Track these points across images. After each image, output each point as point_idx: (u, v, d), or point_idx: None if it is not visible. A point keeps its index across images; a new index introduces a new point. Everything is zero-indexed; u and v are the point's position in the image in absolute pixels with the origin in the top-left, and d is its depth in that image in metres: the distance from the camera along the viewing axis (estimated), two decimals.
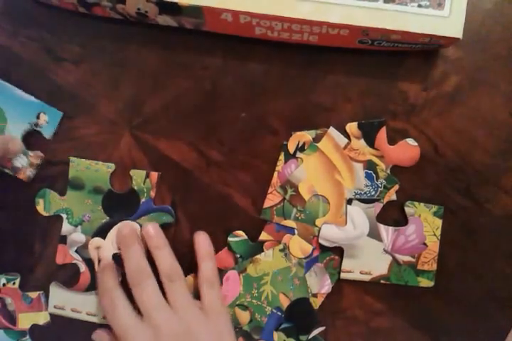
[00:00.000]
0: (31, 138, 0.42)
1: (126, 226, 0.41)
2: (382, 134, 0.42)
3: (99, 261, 0.42)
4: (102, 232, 0.42)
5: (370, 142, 0.42)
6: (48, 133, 0.42)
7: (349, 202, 0.42)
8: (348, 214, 0.42)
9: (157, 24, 0.41)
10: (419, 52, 0.41)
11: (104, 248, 0.42)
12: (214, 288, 0.39)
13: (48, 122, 0.42)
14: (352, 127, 0.42)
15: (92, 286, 0.42)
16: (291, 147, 0.42)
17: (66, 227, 0.42)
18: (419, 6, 0.37)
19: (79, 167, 0.42)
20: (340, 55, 0.42)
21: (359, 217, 0.42)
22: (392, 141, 0.42)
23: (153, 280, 0.38)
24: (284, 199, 0.42)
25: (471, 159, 0.42)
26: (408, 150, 0.42)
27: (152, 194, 0.42)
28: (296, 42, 0.40)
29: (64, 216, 0.42)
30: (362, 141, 0.42)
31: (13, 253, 0.43)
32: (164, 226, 0.42)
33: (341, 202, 0.42)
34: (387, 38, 0.38)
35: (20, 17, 0.43)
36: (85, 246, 0.42)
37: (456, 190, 0.42)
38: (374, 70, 0.42)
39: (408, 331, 0.43)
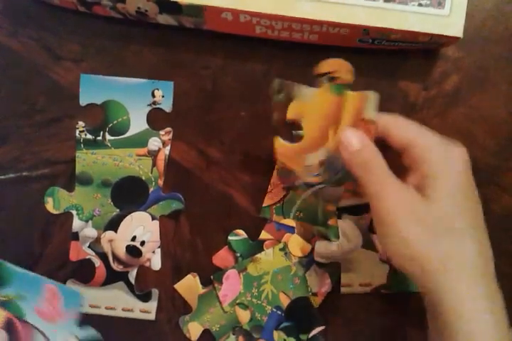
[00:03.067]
0: (151, 118, 0.42)
1: None
2: None
3: (113, 255, 0.42)
4: (114, 225, 0.42)
5: None
6: (167, 106, 0.42)
7: (339, 216, 0.42)
8: (340, 229, 0.41)
9: (157, 23, 0.41)
10: (420, 52, 0.41)
11: (117, 240, 0.42)
12: None
13: (164, 96, 0.42)
14: None
15: (109, 280, 0.42)
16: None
17: (77, 223, 0.42)
18: (420, 4, 0.37)
19: (85, 162, 0.42)
20: (340, 54, 0.41)
21: (351, 230, 0.41)
22: None
23: None
24: (284, 197, 0.42)
25: (471, 158, 0.42)
26: None
27: (160, 182, 0.42)
28: (297, 41, 0.40)
29: (74, 212, 0.42)
30: None
31: (13, 253, 0.43)
32: (175, 213, 0.42)
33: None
34: (387, 36, 0.38)
35: (20, 16, 0.43)
36: (98, 240, 0.42)
37: None
38: (374, 69, 0.42)
39: (408, 331, 0.43)
